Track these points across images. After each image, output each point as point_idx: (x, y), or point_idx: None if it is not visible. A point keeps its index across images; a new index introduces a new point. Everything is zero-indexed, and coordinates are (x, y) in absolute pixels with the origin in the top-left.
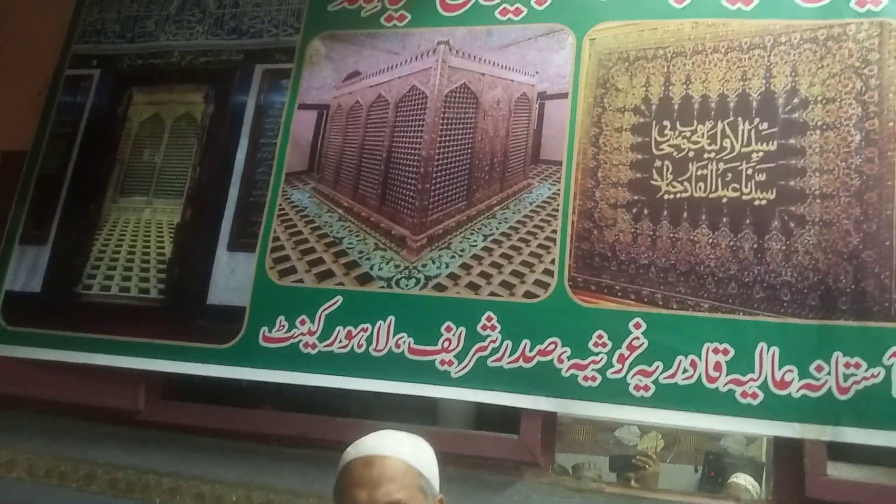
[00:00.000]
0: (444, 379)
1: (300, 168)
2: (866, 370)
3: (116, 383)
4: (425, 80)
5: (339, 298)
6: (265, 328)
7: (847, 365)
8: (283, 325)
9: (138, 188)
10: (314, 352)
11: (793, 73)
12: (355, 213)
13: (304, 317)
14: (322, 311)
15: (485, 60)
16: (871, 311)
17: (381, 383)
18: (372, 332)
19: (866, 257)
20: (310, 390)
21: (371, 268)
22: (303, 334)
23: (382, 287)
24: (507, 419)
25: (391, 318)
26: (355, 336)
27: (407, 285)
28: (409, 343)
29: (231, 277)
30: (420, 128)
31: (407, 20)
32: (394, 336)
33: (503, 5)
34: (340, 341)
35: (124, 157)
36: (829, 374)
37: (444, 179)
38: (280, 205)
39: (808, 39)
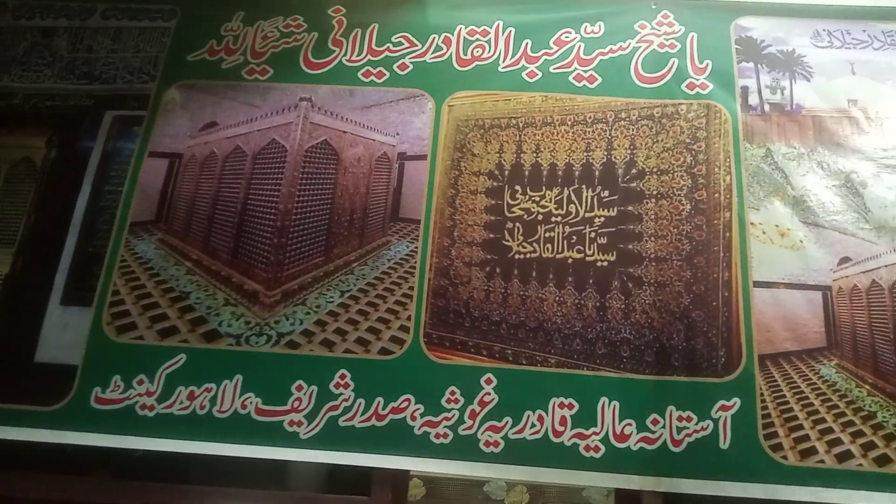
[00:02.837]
0: (292, 440)
1: (147, 218)
2: (697, 423)
3: None
4: (286, 134)
5: (183, 356)
6: (98, 388)
7: (680, 419)
8: (119, 386)
9: None
10: (152, 414)
11: (631, 147)
12: (205, 267)
13: (142, 376)
14: (163, 371)
15: (347, 119)
16: (701, 368)
17: (225, 447)
18: (217, 393)
19: (696, 317)
20: (150, 456)
21: (219, 324)
22: (140, 395)
23: (231, 344)
24: (362, 480)
25: (238, 378)
26: (198, 397)
27: (257, 342)
28: (257, 404)
29: (63, 333)
30: (278, 181)
31: (269, 74)
32: (240, 396)
33: (366, 67)
34: (181, 402)
35: None
36: (664, 427)
37: (302, 234)
38: (122, 256)
39: (645, 116)
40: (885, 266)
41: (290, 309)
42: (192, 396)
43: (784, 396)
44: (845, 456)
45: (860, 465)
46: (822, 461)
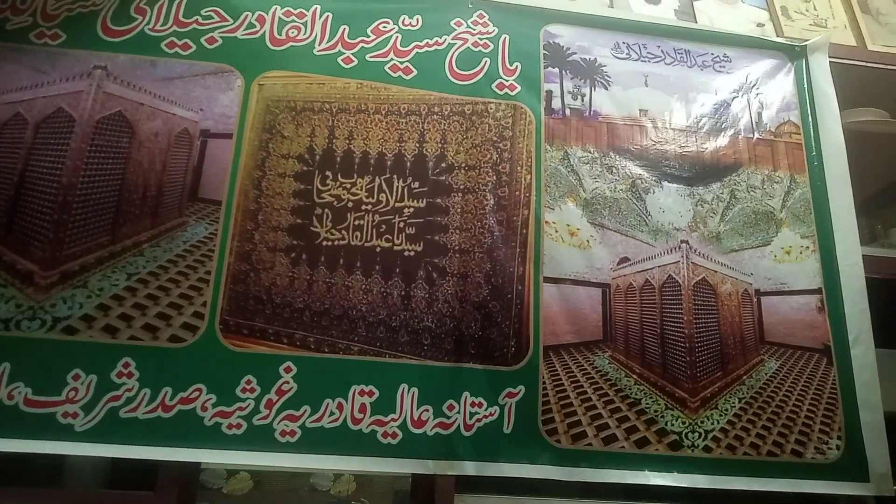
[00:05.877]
0: (66, 433)
1: None
2: (486, 409)
3: None
4: (75, 102)
5: None
6: None
7: (473, 404)
8: None
9: None
10: None
11: (442, 141)
12: None
13: None
14: None
15: (146, 91)
16: (493, 356)
17: None
18: None
19: (492, 307)
20: None
21: None
22: None
23: None
24: (149, 474)
25: (6, 366)
26: None
27: (29, 328)
28: (26, 394)
29: None
30: (63, 153)
31: (61, 39)
32: (7, 386)
33: (171, 38)
34: None
35: None
36: (458, 412)
37: (87, 211)
38: None
39: (456, 112)
40: (658, 266)
41: (68, 291)
42: None
43: (562, 385)
44: (611, 439)
45: (623, 447)
46: (590, 444)
